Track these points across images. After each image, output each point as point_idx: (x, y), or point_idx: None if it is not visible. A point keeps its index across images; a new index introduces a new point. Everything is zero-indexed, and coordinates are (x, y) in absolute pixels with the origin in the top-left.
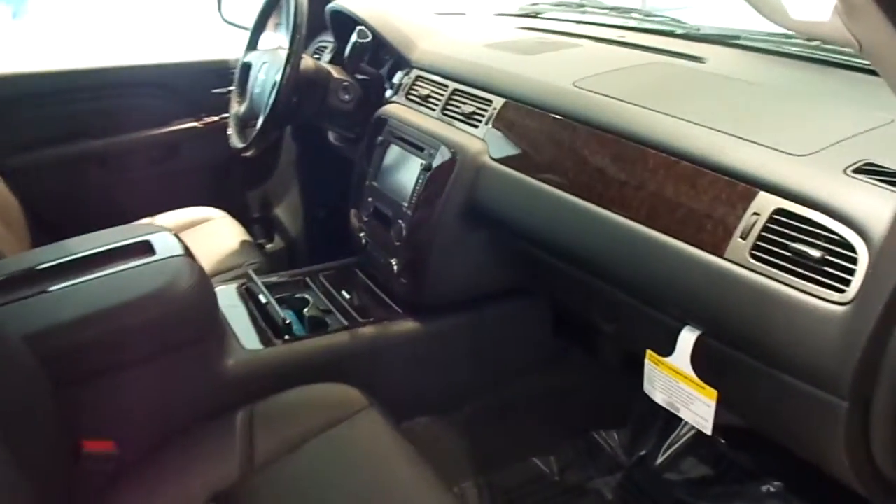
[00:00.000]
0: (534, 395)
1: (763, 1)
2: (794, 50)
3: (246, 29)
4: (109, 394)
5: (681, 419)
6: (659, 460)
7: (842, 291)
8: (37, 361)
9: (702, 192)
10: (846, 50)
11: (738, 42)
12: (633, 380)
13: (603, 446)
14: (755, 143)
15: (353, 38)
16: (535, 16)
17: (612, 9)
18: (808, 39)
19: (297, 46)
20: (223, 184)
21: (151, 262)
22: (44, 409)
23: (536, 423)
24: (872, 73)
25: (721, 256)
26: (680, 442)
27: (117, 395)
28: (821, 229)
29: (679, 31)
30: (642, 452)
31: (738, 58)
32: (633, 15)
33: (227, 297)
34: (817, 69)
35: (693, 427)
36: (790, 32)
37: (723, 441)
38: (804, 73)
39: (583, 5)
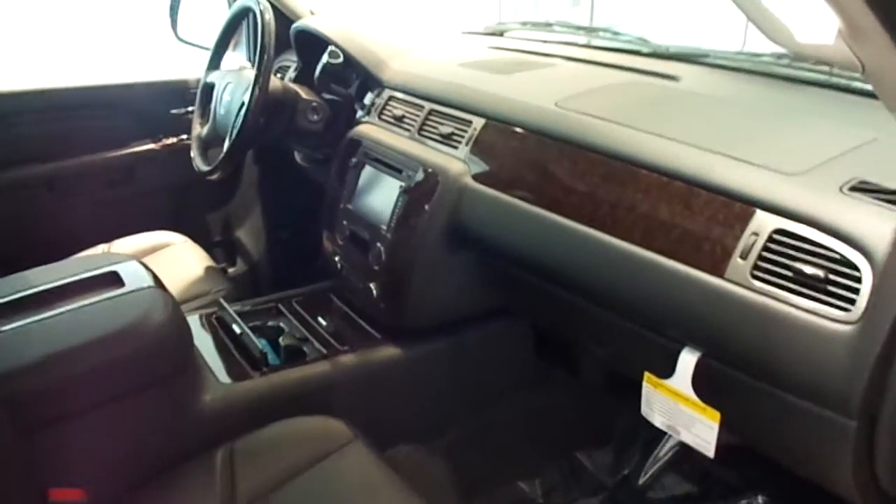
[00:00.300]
0: (516, 417)
1: (767, 23)
2: (763, 68)
3: (202, 48)
4: (78, 437)
5: (663, 435)
6: (642, 479)
7: (847, 310)
8: None
9: (697, 213)
10: (816, 68)
11: (706, 60)
12: (616, 398)
13: (586, 467)
14: (747, 161)
15: (325, 58)
16: (501, 34)
17: (579, 28)
18: (779, 58)
19: (266, 66)
20: (182, 207)
21: (121, 294)
22: (6, 457)
23: (520, 446)
24: (841, 89)
25: (721, 277)
26: (663, 459)
27: (86, 439)
28: (822, 248)
29: (646, 50)
30: (625, 472)
31: (708, 76)
32: (601, 34)
33: (197, 328)
34: (787, 86)
35: (676, 443)
36: (759, 51)
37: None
38: (776, 91)
39: (550, 24)
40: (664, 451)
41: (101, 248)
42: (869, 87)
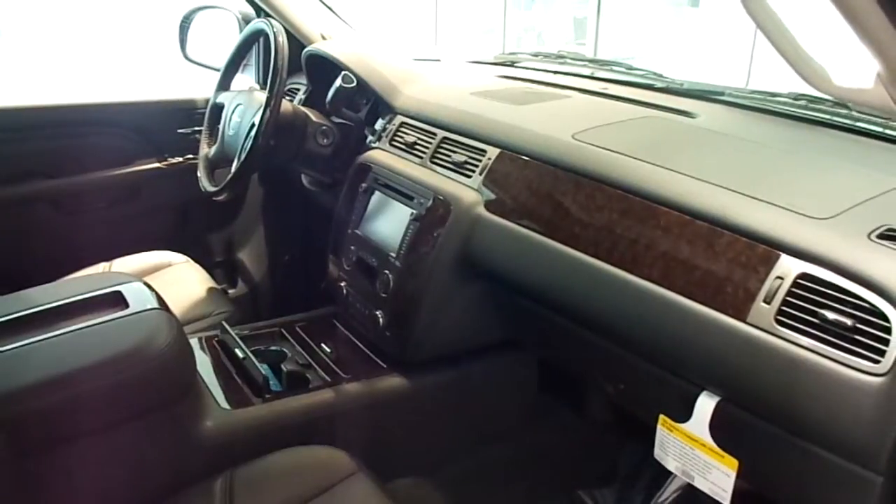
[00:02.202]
0: (519, 452)
1: (805, 66)
2: (781, 108)
3: (211, 68)
4: (76, 462)
5: (668, 475)
6: None
7: (876, 361)
8: None
9: (719, 254)
10: (837, 111)
11: (722, 98)
12: (621, 436)
13: None
14: (772, 203)
15: (338, 82)
16: (511, 65)
17: (592, 60)
18: (797, 98)
19: (278, 89)
20: (184, 226)
21: (125, 316)
22: (3, 480)
23: (521, 482)
24: (861, 133)
25: (743, 321)
26: (667, 501)
27: (85, 464)
28: (851, 296)
29: (660, 85)
30: None
31: (726, 114)
32: (614, 67)
33: (198, 351)
34: (807, 128)
35: (681, 485)
36: (775, 90)
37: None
38: (795, 132)
39: (562, 56)
40: (668, 492)
41: (101, 267)
42: (892, 132)
